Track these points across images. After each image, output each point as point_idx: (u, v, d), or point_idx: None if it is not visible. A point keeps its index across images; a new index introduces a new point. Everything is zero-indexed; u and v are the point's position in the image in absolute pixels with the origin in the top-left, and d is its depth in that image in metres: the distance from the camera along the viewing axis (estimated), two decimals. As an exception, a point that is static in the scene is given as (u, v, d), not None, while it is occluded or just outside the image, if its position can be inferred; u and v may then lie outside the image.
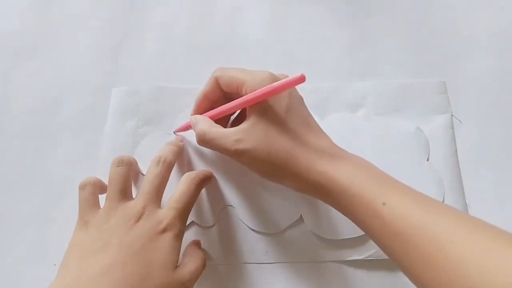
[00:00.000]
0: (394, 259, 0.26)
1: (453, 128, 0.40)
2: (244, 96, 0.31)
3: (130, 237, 0.29)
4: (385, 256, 0.36)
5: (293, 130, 0.30)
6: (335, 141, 0.38)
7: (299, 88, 0.32)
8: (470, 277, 0.22)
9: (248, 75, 0.31)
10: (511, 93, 0.42)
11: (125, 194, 0.31)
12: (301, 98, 0.33)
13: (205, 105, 0.35)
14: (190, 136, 0.38)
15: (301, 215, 0.37)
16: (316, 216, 0.37)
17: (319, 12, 0.46)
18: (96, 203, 0.31)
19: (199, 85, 0.42)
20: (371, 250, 0.36)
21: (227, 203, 0.38)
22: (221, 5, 0.46)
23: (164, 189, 0.33)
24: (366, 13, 0.46)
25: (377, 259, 0.36)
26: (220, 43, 0.45)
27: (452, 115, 0.41)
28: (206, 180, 0.35)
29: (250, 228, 0.37)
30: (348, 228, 0.37)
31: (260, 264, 0.36)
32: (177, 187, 0.32)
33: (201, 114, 0.35)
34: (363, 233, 0.36)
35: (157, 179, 0.32)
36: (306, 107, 0.32)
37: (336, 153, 0.30)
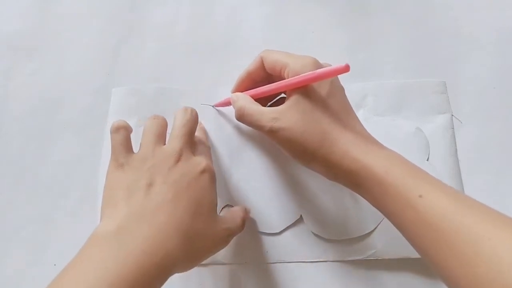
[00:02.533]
0: (424, 252, 0.26)
1: (453, 128, 0.40)
2: (287, 79, 0.31)
3: (174, 176, 0.29)
4: (385, 256, 0.36)
5: (331, 116, 0.30)
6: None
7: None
8: (502, 274, 0.22)
9: (292, 59, 0.31)
10: (511, 93, 0.42)
11: (160, 139, 0.31)
12: (343, 88, 0.33)
13: (247, 83, 0.36)
14: (229, 112, 0.39)
15: (301, 215, 0.37)
16: (316, 216, 0.37)
17: (319, 12, 0.46)
18: (130, 147, 0.31)
19: (199, 85, 0.42)
20: (371, 250, 0.36)
21: (226, 202, 0.38)
22: (221, 5, 0.46)
23: (194, 136, 0.33)
24: (366, 13, 0.46)
25: (377, 259, 0.36)
26: (220, 43, 0.45)
27: (452, 115, 0.41)
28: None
29: (250, 228, 0.37)
30: (348, 228, 0.37)
31: (260, 264, 0.36)
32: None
33: (241, 92, 0.35)
34: (363, 233, 0.37)
35: (188, 123, 0.32)
36: (346, 97, 0.33)
37: (372, 143, 0.31)
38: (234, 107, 0.34)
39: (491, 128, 0.41)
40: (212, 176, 0.31)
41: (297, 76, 0.30)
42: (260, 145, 0.39)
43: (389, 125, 0.40)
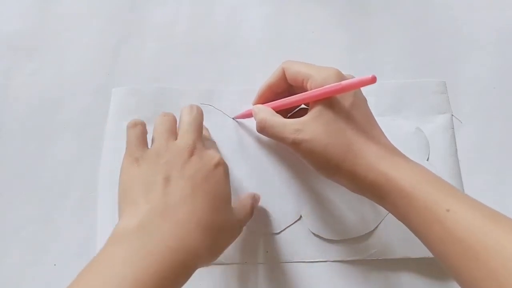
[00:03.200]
0: (451, 267, 0.26)
1: (453, 128, 0.40)
2: (309, 91, 0.31)
3: (190, 170, 0.29)
4: (385, 256, 0.36)
5: (355, 128, 0.30)
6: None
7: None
8: None
9: (315, 70, 0.31)
10: (511, 93, 0.42)
11: (172, 134, 0.31)
12: (365, 100, 0.33)
13: (268, 95, 0.36)
14: (249, 124, 0.39)
15: (301, 215, 0.37)
16: (316, 216, 0.37)
17: (319, 12, 0.46)
18: (145, 142, 0.31)
19: (199, 85, 0.42)
20: (371, 250, 0.36)
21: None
22: (221, 5, 0.46)
23: (202, 131, 0.33)
24: (366, 13, 0.46)
25: (377, 259, 0.36)
26: (220, 43, 0.44)
27: (452, 115, 0.41)
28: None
29: (250, 228, 0.37)
30: (348, 228, 0.37)
31: (260, 264, 0.36)
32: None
33: (263, 103, 0.35)
34: (363, 233, 0.37)
35: (196, 119, 0.32)
36: (369, 109, 0.32)
37: (398, 155, 0.30)
38: (255, 119, 0.34)
39: (491, 128, 0.41)
40: (226, 169, 0.31)
41: (321, 88, 0.30)
42: (260, 146, 0.39)
43: (389, 125, 0.40)
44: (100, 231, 0.37)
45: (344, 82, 0.29)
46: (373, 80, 0.27)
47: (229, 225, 0.30)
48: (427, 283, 0.36)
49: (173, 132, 0.31)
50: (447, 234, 0.25)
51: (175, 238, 0.26)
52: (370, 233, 0.37)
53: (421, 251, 0.36)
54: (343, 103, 0.30)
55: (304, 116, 0.31)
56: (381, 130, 0.32)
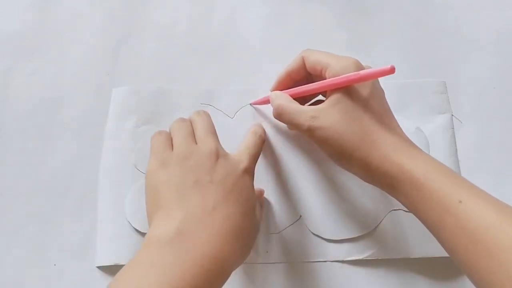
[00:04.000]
0: (459, 258, 0.26)
1: (453, 128, 0.40)
2: (329, 79, 0.31)
3: (219, 174, 0.29)
4: (385, 256, 0.36)
5: (372, 118, 0.30)
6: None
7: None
8: None
9: (334, 59, 0.31)
10: (511, 93, 0.42)
11: (193, 138, 0.31)
12: (383, 91, 0.33)
13: (286, 82, 0.36)
14: (266, 110, 0.40)
15: (301, 215, 0.37)
16: (316, 216, 0.37)
17: (319, 12, 0.46)
18: (170, 147, 0.31)
19: (199, 85, 0.42)
20: (371, 250, 0.36)
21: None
22: (220, 5, 0.46)
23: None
24: (366, 13, 0.46)
25: (377, 259, 0.36)
26: (220, 43, 0.44)
27: (452, 115, 0.41)
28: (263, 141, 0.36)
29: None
30: (348, 228, 0.37)
31: (260, 264, 0.36)
32: (246, 138, 0.34)
33: (281, 90, 0.35)
34: (363, 233, 0.37)
35: (210, 123, 0.33)
36: (386, 100, 0.32)
37: (412, 147, 0.30)
38: (272, 105, 0.34)
39: (491, 128, 0.41)
40: (252, 176, 0.31)
41: (340, 76, 0.30)
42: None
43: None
44: (100, 231, 0.37)
45: (362, 72, 0.29)
46: (392, 70, 0.27)
47: (255, 228, 0.30)
48: (427, 283, 0.36)
49: (193, 137, 0.31)
50: (459, 225, 0.25)
51: (213, 245, 0.26)
52: (370, 233, 0.37)
53: (421, 251, 0.36)
54: (361, 93, 0.31)
55: (320, 104, 0.31)
56: (397, 122, 0.32)
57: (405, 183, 0.28)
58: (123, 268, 0.25)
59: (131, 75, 0.43)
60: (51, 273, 0.36)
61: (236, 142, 0.39)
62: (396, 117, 0.40)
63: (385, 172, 0.29)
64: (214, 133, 0.32)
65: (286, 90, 0.35)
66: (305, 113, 0.31)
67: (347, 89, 0.30)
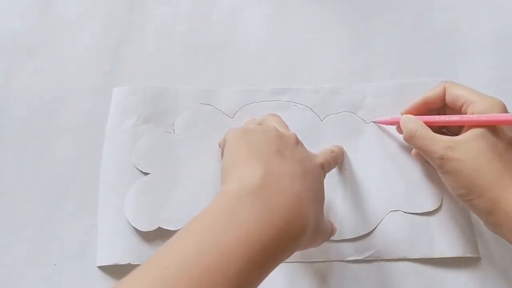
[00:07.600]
0: None
1: (453, 128, 0.40)
2: (473, 115, 0.31)
3: (299, 155, 0.29)
4: (385, 256, 0.36)
5: (511, 161, 0.30)
6: (334, 143, 0.39)
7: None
8: None
9: (478, 97, 0.32)
10: (511, 93, 0.42)
11: (280, 126, 0.32)
12: None
13: (420, 108, 0.37)
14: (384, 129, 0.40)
15: (301, 215, 0.37)
16: (316, 216, 0.37)
17: (319, 12, 0.46)
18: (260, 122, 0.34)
19: (199, 85, 0.42)
20: (371, 250, 0.36)
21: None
22: (221, 5, 0.46)
23: None
24: (366, 13, 0.46)
25: (377, 259, 0.36)
26: (220, 43, 0.44)
27: (452, 115, 0.41)
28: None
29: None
30: (348, 228, 0.37)
31: (260, 264, 0.36)
32: (331, 147, 0.36)
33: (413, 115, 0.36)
34: (363, 233, 0.37)
35: (282, 121, 0.34)
36: None
37: None
38: (403, 128, 0.35)
39: (491, 128, 0.41)
40: (325, 176, 0.31)
41: (490, 115, 0.31)
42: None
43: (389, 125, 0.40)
44: (100, 231, 0.37)
45: None
46: None
47: (323, 225, 0.30)
48: (426, 283, 0.36)
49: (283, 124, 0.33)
50: None
51: (292, 211, 0.25)
52: (370, 233, 0.37)
53: (421, 251, 0.36)
54: (506, 133, 0.31)
55: (458, 136, 0.32)
56: None
57: None
58: (198, 214, 0.24)
59: (131, 75, 0.43)
60: (51, 273, 0.36)
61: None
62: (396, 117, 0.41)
63: None
64: (287, 128, 0.33)
65: (420, 116, 0.35)
66: (441, 142, 0.31)
67: (491, 128, 0.31)
